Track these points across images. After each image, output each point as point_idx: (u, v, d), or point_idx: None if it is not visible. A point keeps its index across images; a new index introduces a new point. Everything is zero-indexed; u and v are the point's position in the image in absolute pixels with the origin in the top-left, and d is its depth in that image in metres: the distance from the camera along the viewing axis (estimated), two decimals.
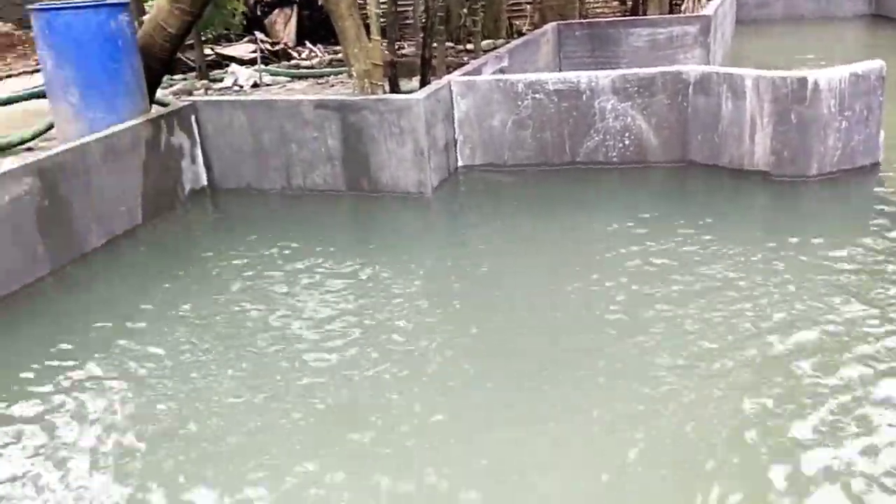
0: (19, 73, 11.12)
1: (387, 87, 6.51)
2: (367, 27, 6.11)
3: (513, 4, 12.17)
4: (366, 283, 4.14)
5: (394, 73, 7.00)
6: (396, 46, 8.27)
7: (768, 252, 4.10)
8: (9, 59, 13.65)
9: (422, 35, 7.69)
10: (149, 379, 3.34)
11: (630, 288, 3.81)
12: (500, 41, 9.99)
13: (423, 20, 7.73)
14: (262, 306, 3.93)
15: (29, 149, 6.32)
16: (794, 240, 4.21)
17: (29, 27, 16.98)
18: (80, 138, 4.98)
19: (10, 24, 16.01)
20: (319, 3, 12.03)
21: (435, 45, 7.29)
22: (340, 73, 9.15)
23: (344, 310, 3.83)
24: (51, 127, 6.17)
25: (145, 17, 5.96)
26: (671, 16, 10.27)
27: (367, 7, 6.78)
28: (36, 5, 5.48)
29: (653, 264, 4.07)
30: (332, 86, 8.51)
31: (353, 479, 2.63)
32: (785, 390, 2.91)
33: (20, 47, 14.68)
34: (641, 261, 4.11)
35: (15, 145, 6.28)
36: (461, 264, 4.44)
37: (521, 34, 10.27)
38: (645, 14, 11.01)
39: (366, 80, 5.99)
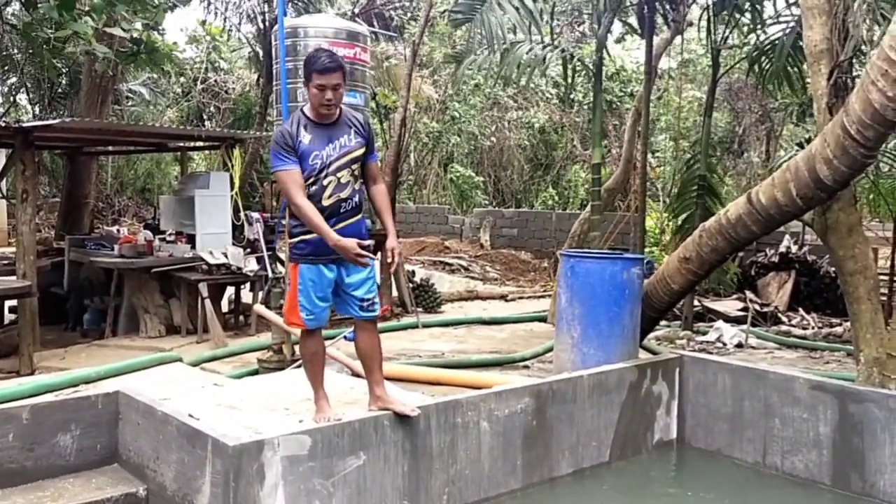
0: (528, 297, 12.91)
1: None
2: (891, 312, 5.58)
3: None
4: None
5: None
6: None
7: None
8: (522, 282, 16.06)
9: None
10: None
11: None
12: None
13: None
14: None
15: (525, 366, 7.13)
16: None
17: (542, 257, 19.73)
18: (573, 368, 5.43)
19: (529, 254, 18.99)
20: (821, 272, 11.54)
21: None
22: (838, 350, 8.40)
23: None
24: (549, 350, 6.90)
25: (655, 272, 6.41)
26: None
27: None
28: (564, 250, 6.38)
29: None
30: (827, 363, 7.84)
31: None
32: None
33: (532, 273, 17.18)
34: None
35: (517, 361, 7.16)
36: None
37: None
38: None
39: (875, 370, 5.40)
